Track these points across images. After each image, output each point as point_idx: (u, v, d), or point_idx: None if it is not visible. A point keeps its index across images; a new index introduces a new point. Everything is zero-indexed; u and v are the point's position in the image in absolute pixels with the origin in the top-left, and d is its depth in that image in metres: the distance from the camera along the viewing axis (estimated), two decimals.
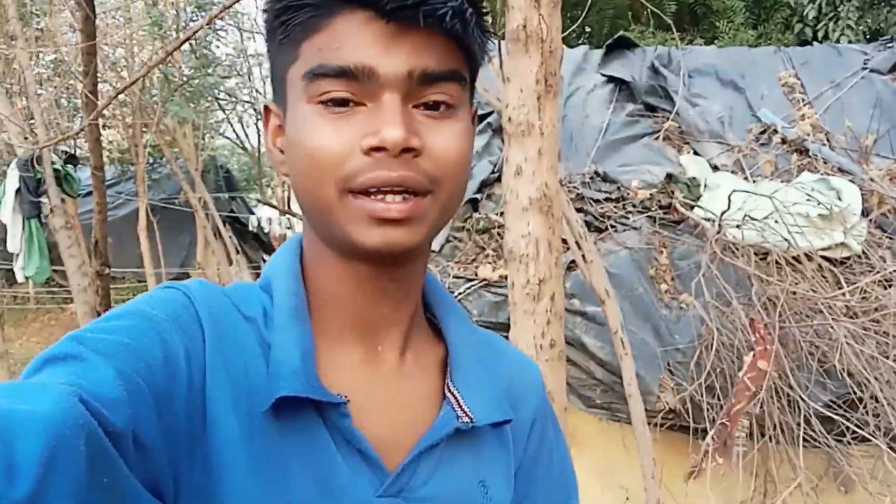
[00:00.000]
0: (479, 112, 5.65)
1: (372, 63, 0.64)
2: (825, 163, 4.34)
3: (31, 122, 6.20)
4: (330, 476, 0.68)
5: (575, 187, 4.08)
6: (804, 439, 3.06)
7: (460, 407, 0.75)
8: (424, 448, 0.73)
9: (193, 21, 7.70)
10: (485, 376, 0.79)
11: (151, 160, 9.25)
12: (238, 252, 8.37)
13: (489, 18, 0.71)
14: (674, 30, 4.22)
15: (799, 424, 2.99)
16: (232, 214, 9.10)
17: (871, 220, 3.89)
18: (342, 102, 0.66)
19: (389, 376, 0.75)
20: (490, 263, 3.71)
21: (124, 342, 0.59)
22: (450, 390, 0.77)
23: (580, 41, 10.54)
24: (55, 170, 5.50)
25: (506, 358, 0.89)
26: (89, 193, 6.50)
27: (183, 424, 0.62)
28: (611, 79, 5.27)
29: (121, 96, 6.81)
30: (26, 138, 5.72)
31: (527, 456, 0.85)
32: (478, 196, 4.20)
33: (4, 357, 6.22)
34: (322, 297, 0.74)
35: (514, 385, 0.86)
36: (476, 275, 3.65)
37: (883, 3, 9.30)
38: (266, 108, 0.77)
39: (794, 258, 3.40)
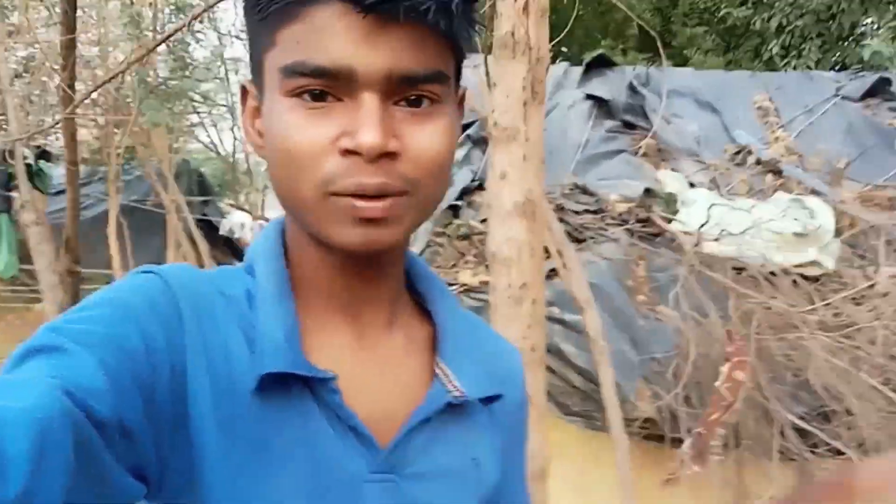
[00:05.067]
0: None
1: (350, 62, 0.62)
2: (799, 184, 4.43)
3: (2, 116, 6.09)
4: (322, 453, 0.67)
5: (555, 199, 4.11)
6: (779, 451, 3.08)
7: (450, 382, 0.75)
8: (416, 423, 0.72)
9: (171, 23, 7.61)
10: (473, 353, 0.79)
11: (123, 161, 9.10)
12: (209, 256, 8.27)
13: (477, 6, 0.68)
14: (642, 51, 4.29)
15: (773, 436, 3.02)
16: (204, 217, 8.99)
17: (843, 241, 3.96)
18: (319, 96, 0.63)
19: (377, 355, 0.75)
20: (470, 269, 3.72)
21: (104, 332, 0.59)
22: (439, 366, 0.76)
23: (557, 60, 10.71)
24: (27, 165, 5.41)
25: (490, 338, 0.89)
26: (59, 192, 6.41)
27: (166, 410, 0.62)
28: (590, 96, 5.33)
29: (93, 95, 6.72)
30: None
31: (512, 437, 0.85)
32: (459, 203, 4.22)
33: None
34: (305, 279, 0.74)
35: (501, 365, 0.86)
36: (456, 280, 3.66)
37: (846, 40, 9.53)
38: (243, 87, 0.74)
39: (770, 273, 3.46)
